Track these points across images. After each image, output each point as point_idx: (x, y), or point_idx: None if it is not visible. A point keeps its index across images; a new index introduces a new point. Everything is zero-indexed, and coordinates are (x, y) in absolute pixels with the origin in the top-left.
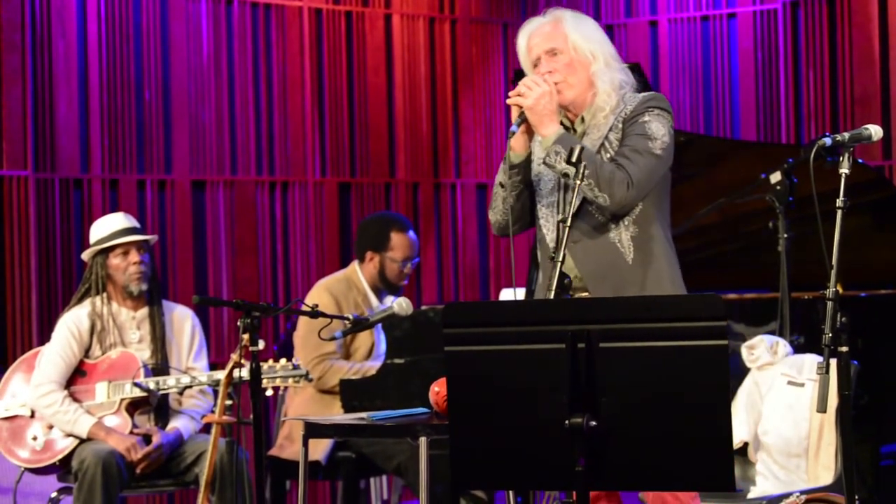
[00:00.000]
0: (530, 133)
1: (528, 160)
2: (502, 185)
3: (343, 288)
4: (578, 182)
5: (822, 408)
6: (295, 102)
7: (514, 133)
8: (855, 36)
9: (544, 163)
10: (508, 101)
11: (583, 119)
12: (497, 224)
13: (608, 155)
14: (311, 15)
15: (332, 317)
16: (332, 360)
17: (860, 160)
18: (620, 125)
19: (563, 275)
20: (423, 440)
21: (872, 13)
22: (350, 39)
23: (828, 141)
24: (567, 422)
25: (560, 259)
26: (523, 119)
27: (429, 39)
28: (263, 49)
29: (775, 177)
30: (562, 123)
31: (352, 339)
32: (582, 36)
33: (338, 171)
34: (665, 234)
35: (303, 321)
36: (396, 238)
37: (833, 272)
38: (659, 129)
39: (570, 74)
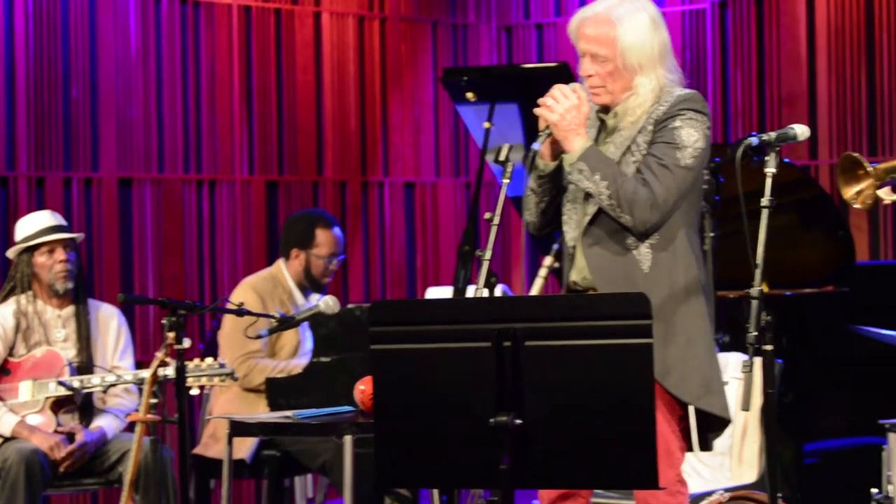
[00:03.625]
0: (556, 141)
1: (557, 168)
2: (533, 192)
3: (268, 286)
4: (506, 181)
5: (746, 406)
6: (223, 100)
7: (535, 151)
8: (782, 36)
9: (569, 179)
10: (535, 112)
11: (616, 114)
12: (530, 224)
13: (634, 159)
14: (239, 12)
15: (258, 315)
16: (257, 359)
17: (786, 160)
18: (651, 127)
19: (489, 273)
20: (347, 438)
21: (800, 14)
22: (279, 37)
23: (754, 140)
24: (492, 420)
25: (487, 257)
26: (549, 134)
27: (358, 38)
28: (192, 46)
29: None
30: (598, 116)
31: (277, 338)
32: (632, 44)
33: (266, 170)
34: (689, 241)
35: (228, 320)
36: (322, 234)
37: (758, 271)
38: (690, 135)
39: (611, 82)
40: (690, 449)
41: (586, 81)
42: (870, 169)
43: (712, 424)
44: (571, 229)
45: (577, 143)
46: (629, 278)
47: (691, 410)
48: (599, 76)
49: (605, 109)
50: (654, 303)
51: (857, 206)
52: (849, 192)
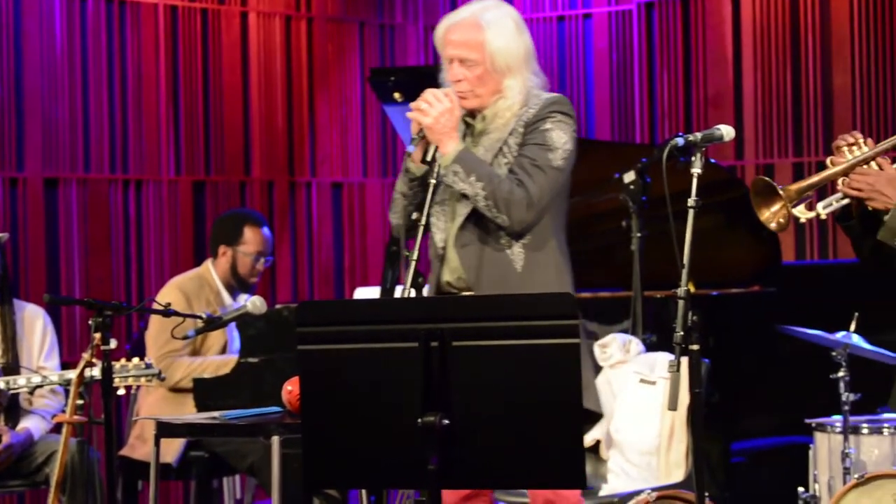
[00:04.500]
0: (427, 144)
1: (429, 171)
2: (403, 195)
3: (195, 286)
4: (432, 182)
5: (673, 406)
6: (150, 100)
7: (410, 154)
8: (709, 37)
9: (443, 181)
10: (409, 115)
11: (484, 117)
12: (398, 227)
13: (506, 160)
14: (166, 12)
15: (184, 315)
16: (175, 357)
17: (712, 160)
18: (521, 129)
19: (417, 273)
20: (275, 439)
21: (726, 14)
22: (206, 37)
23: (680, 141)
24: (420, 420)
25: (415, 258)
26: (422, 136)
27: (285, 37)
28: (118, 45)
29: (629, 176)
30: (464, 119)
31: (204, 338)
32: (501, 47)
33: (192, 170)
34: (558, 242)
35: (154, 320)
36: (249, 232)
37: (684, 271)
38: (560, 137)
39: (480, 86)
40: None
41: (455, 86)
42: (781, 192)
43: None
44: (441, 231)
45: (450, 146)
46: (503, 277)
47: None
48: (468, 80)
49: (471, 114)
50: None
51: (772, 226)
52: (764, 213)
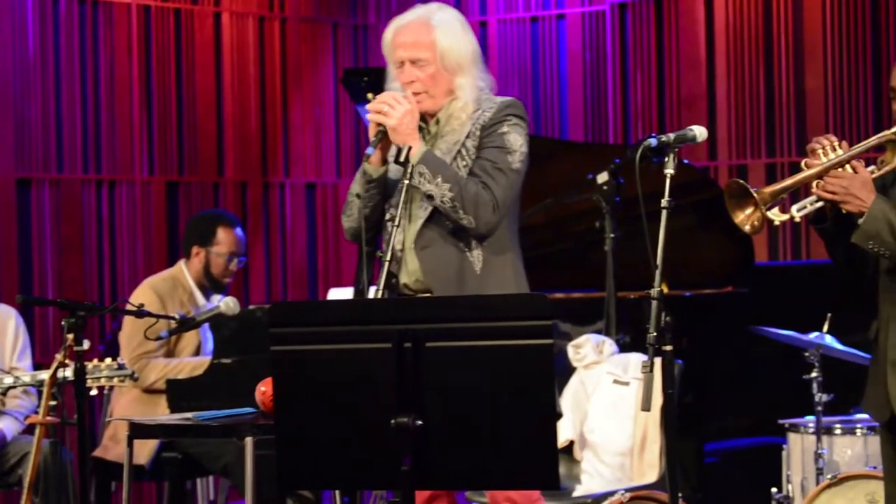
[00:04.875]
0: (385, 147)
1: (385, 173)
2: (359, 196)
3: (168, 287)
4: (406, 181)
5: (646, 406)
6: (123, 100)
7: (369, 155)
8: (682, 38)
9: (409, 183)
10: (370, 118)
11: (438, 120)
12: (351, 230)
13: (465, 163)
14: (139, 12)
15: (157, 316)
16: (149, 358)
17: (685, 161)
18: (478, 132)
19: (390, 274)
20: (248, 440)
21: (699, 16)
22: (179, 37)
23: (653, 141)
24: (393, 421)
25: (388, 258)
26: (381, 138)
27: (258, 38)
28: (91, 45)
29: (602, 177)
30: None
31: (178, 339)
32: (450, 46)
33: (166, 170)
34: (513, 242)
35: (127, 321)
36: (222, 233)
37: (658, 272)
38: (517, 140)
39: (433, 86)
40: None
41: (408, 88)
42: (755, 196)
43: None
44: (399, 233)
45: (415, 147)
46: (462, 279)
47: None
48: (421, 81)
49: (422, 118)
50: None
51: (746, 229)
52: (738, 216)
